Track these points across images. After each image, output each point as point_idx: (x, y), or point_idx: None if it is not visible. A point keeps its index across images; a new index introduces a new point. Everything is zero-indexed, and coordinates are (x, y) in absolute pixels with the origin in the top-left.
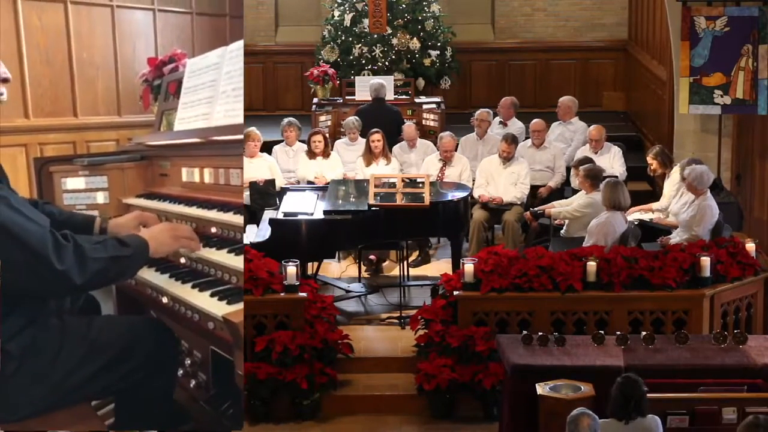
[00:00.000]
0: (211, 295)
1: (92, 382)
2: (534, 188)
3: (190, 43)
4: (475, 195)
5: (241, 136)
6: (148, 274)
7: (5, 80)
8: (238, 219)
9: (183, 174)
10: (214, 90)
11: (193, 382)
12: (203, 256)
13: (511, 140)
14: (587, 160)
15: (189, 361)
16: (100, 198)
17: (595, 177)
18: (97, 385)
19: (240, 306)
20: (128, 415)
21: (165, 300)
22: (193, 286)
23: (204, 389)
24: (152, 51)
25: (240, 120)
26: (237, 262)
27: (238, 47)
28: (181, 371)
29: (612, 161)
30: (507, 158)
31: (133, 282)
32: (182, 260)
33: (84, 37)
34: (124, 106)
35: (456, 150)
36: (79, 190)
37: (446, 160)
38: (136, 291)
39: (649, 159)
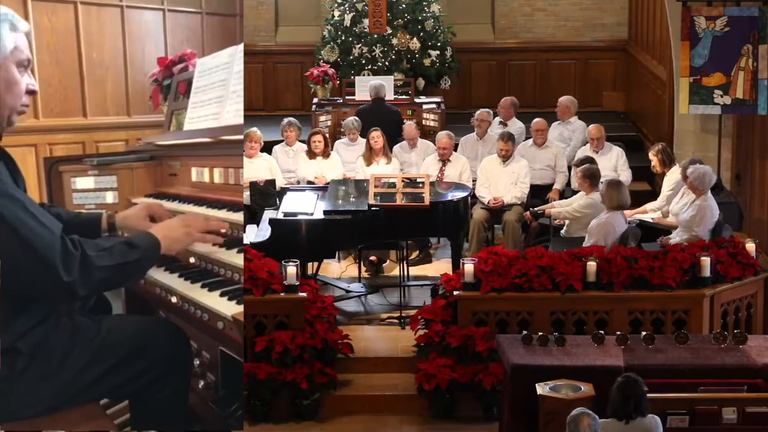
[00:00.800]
0: (221, 295)
1: (102, 381)
2: (536, 187)
3: (200, 43)
4: (477, 195)
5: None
6: (157, 274)
7: (32, 92)
8: None
9: (193, 174)
10: (224, 89)
11: (201, 383)
12: (213, 256)
13: (508, 138)
14: (589, 159)
15: (198, 362)
16: (110, 198)
17: (593, 176)
18: (107, 385)
19: None
20: (140, 417)
21: (174, 300)
22: (203, 286)
23: (212, 390)
24: (162, 51)
25: (241, 120)
26: None
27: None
28: (191, 369)
29: (615, 163)
30: (506, 156)
31: (143, 281)
32: (191, 260)
33: (94, 38)
34: (134, 107)
35: (456, 150)
36: (88, 189)
37: (444, 159)
38: (145, 291)
39: (651, 155)
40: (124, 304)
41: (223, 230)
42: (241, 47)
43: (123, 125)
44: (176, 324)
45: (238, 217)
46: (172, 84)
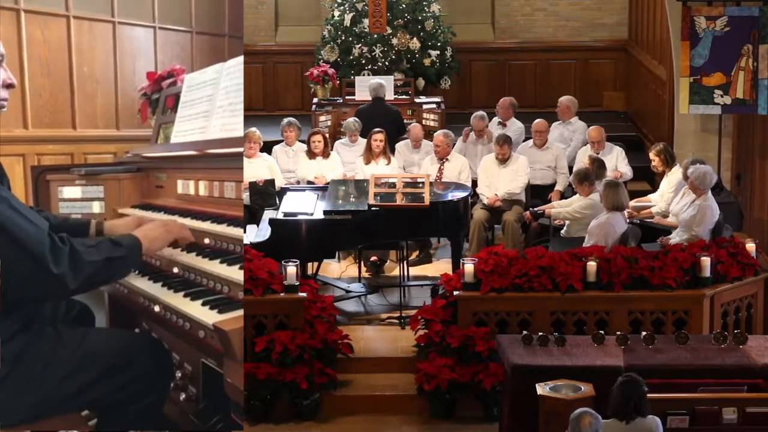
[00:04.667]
0: (203, 304)
1: (83, 392)
2: (537, 188)
3: (190, 60)
4: (479, 193)
5: (237, 149)
6: (140, 283)
7: (10, 86)
8: (232, 230)
9: (178, 186)
10: (211, 104)
11: (182, 395)
12: (196, 266)
13: (503, 141)
14: (597, 160)
15: (179, 374)
16: (96, 208)
17: (586, 177)
18: (88, 396)
19: (231, 315)
20: (117, 429)
21: (157, 309)
22: (185, 295)
23: (194, 402)
24: (152, 67)
25: (240, 134)
26: (229, 272)
27: (237, 63)
28: (171, 384)
29: (616, 162)
30: (503, 160)
31: (126, 291)
32: (175, 270)
33: (85, 52)
34: (123, 120)
35: (454, 149)
36: (75, 199)
37: (440, 157)
38: (129, 300)
39: (652, 155)
40: (107, 314)
41: (207, 240)
42: (230, 63)
43: (112, 138)
44: (158, 339)
45: (222, 228)
46: (161, 98)
